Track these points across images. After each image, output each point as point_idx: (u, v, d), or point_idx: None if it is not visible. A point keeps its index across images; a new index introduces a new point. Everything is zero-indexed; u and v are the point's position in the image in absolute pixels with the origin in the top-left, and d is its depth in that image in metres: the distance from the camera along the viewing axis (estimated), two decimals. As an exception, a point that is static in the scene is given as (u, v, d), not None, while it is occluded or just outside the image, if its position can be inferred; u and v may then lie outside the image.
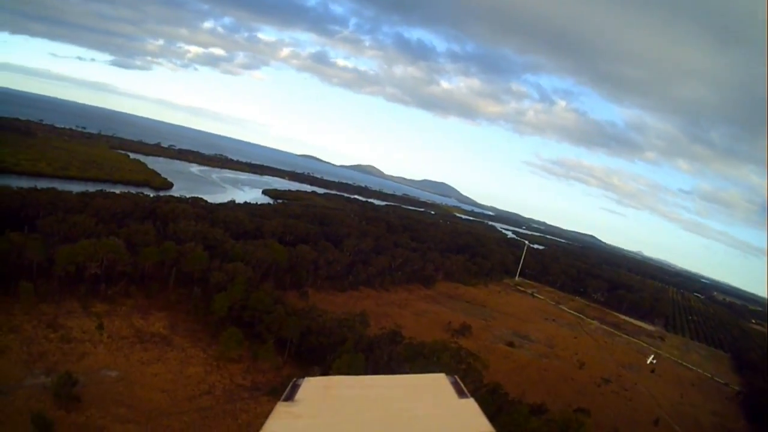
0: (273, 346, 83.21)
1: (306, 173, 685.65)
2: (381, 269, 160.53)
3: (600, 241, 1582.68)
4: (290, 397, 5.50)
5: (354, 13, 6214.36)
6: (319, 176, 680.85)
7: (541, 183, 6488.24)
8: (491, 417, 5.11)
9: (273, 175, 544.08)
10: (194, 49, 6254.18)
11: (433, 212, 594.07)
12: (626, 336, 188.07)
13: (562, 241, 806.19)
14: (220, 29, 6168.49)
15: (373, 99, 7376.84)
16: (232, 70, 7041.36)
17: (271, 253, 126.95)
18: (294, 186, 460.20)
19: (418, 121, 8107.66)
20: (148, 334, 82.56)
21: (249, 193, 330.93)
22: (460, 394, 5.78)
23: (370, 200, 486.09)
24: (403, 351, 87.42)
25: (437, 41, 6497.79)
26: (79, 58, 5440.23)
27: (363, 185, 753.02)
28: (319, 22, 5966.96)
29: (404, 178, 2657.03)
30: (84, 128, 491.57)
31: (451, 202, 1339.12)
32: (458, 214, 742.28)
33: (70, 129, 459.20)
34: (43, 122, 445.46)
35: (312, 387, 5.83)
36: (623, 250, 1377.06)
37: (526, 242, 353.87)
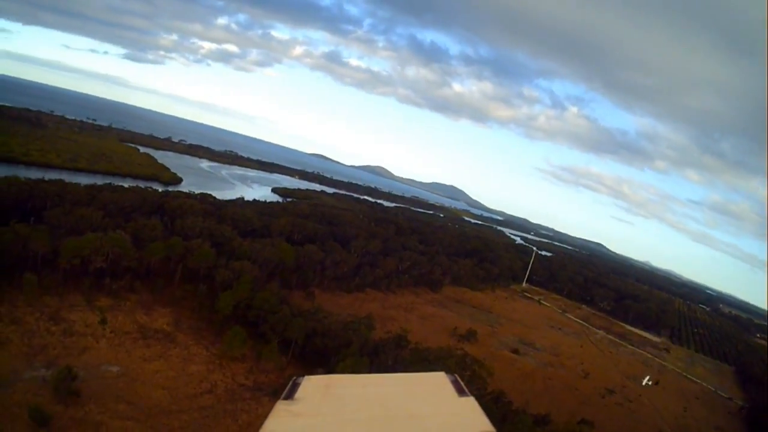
0: (277, 346, 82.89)
1: (316, 172, 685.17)
2: (388, 271, 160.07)
3: (608, 249, 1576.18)
4: (290, 396, 5.43)
5: (368, 13, 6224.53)
6: (328, 176, 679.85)
7: (551, 189, 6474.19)
8: (494, 425, 4.89)
9: (283, 174, 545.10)
10: (207, 45, 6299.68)
11: (442, 215, 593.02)
12: (631, 347, 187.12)
13: (570, 248, 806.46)
14: (234, 26, 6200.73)
15: (385, 100, 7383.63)
16: (244, 67, 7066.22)
17: (278, 252, 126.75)
18: (303, 185, 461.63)
19: (429, 123, 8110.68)
20: (152, 330, 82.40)
21: (258, 190, 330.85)
22: (460, 392, 5.73)
23: (379, 201, 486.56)
24: (408, 356, 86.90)
25: (451, 43, 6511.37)
26: (92, 51, 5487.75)
27: (372, 186, 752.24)
28: (333, 21, 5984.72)
29: (414, 180, 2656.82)
30: (95, 120, 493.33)
31: (460, 205, 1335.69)
32: (467, 218, 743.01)
33: (81, 121, 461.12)
34: (54, 113, 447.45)
35: (312, 385, 5.77)
36: (631, 259, 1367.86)
37: (535, 248, 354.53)
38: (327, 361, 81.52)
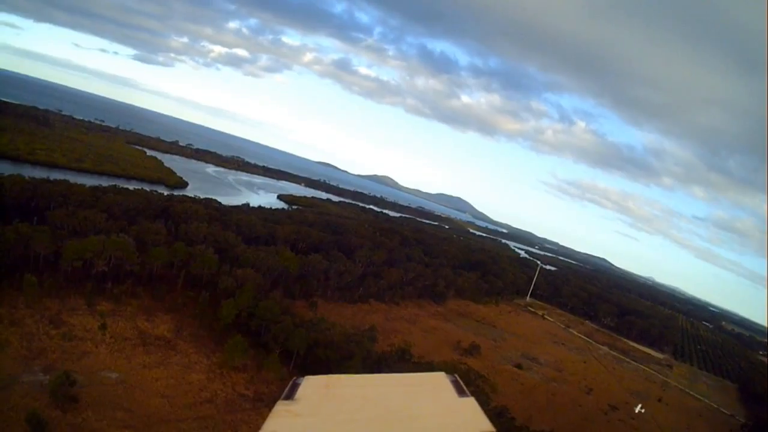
0: (279, 357, 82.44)
1: (322, 180, 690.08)
2: (392, 283, 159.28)
3: (612, 264, 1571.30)
4: (290, 396, 5.43)
5: (379, 21, 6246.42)
6: (334, 184, 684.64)
7: (556, 203, 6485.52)
8: None
9: (289, 181, 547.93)
10: (218, 49, 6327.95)
11: (447, 227, 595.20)
12: (635, 363, 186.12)
13: (574, 262, 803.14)
14: (245, 30, 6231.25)
15: (393, 109, 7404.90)
16: (254, 72, 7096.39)
17: (282, 260, 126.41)
18: (309, 192, 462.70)
19: (437, 134, 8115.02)
20: (152, 336, 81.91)
21: (264, 197, 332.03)
22: (460, 392, 5.70)
23: (384, 211, 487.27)
24: (411, 370, 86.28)
25: (460, 55, 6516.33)
26: (102, 51, 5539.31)
27: (378, 195, 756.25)
28: (344, 28, 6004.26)
29: (420, 191, 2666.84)
30: (102, 121, 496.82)
31: (465, 217, 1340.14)
32: (472, 230, 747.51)
33: (89, 121, 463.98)
34: (62, 112, 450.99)
35: (312, 386, 5.82)
36: (635, 275, 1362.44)
37: (539, 263, 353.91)
38: (329, 373, 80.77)
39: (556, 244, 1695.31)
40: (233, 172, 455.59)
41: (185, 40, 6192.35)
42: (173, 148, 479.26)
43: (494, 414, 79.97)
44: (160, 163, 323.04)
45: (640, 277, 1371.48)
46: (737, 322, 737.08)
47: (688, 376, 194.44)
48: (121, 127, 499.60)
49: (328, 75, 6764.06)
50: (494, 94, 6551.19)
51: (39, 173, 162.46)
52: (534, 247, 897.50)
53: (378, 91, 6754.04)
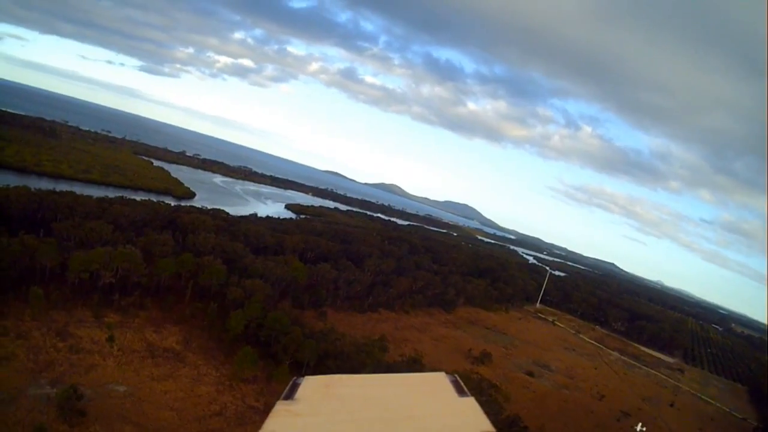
0: (289, 368, 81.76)
1: (329, 189, 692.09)
2: (402, 291, 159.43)
3: (620, 269, 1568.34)
4: (290, 396, 5.55)
5: (384, 30, 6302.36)
6: (342, 193, 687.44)
7: (564, 208, 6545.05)
8: None
9: (296, 190, 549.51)
10: (223, 59, 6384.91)
11: (455, 234, 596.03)
12: (646, 368, 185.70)
13: (583, 267, 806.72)
14: (250, 40, 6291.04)
15: (400, 117, 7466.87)
16: (260, 82, 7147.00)
17: (290, 270, 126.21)
18: (317, 201, 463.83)
19: (444, 142, 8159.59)
20: (161, 348, 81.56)
21: (272, 206, 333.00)
22: (460, 392, 5.84)
23: (392, 219, 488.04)
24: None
25: (466, 62, 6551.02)
26: (109, 62, 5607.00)
27: (386, 204, 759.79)
28: (349, 38, 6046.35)
29: (428, 198, 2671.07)
30: (109, 132, 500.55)
31: (473, 224, 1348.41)
32: (480, 237, 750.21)
33: (95, 132, 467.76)
34: (68, 123, 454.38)
35: (312, 386, 5.90)
36: (643, 279, 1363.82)
37: (548, 269, 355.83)
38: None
39: (565, 249, 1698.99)
40: (241, 181, 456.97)
41: (191, 50, 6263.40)
42: (180, 158, 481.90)
43: (506, 423, 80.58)
44: (168, 173, 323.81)
45: (649, 281, 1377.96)
46: (746, 323, 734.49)
47: (699, 380, 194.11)
48: (127, 138, 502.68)
49: (334, 84, 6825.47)
50: (500, 101, 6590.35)
51: (45, 184, 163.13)
52: (542, 253, 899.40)
53: (384, 99, 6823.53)
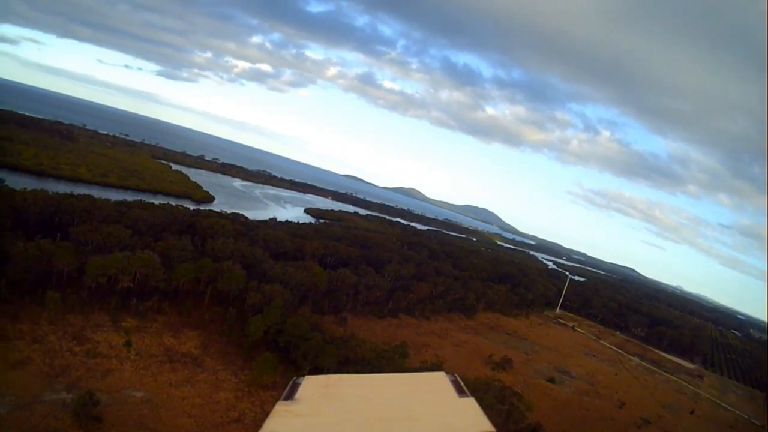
0: (309, 374, 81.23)
1: (349, 193, 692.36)
2: (422, 297, 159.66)
3: (639, 274, 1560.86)
4: (290, 396, 5.47)
5: (402, 34, 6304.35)
6: (361, 197, 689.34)
7: (583, 213, 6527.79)
8: None
9: (316, 194, 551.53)
10: (242, 64, 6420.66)
11: (474, 239, 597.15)
12: (666, 374, 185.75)
13: (602, 273, 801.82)
14: (268, 45, 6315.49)
15: (418, 122, 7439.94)
16: (278, 87, 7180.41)
17: (310, 275, 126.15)
18: (336, 206, 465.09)
19: (462, 146, 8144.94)
20: (179, 353, 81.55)
21: (291, 211, 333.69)
22: (460, 392, 5.69)
23: (412, 224, 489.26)
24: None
25: (484, 67, 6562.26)
26: (126, 66, 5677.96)
27: (405, 208, 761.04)
28: (367, 42, 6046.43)
29: (447, 203, 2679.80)
30: (127, 136, 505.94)
31: (492, 229, 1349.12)
32: (500, 242, 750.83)
33: (113, 136, 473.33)
34: (86, 127, 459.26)
35: (312, 385, 5.81)
36: (662, 284, 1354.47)
37: (568, 274, 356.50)
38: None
39: (584, 254, 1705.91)
40: (260, 186, 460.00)
41: (209, 55, 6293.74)
42: (199, 162, 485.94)
43: (528, 431, 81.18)
44: (186, 177, 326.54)
45: (668, 286, 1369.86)
46: (764, 329, 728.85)
47: (718, 387, 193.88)
48: (146, 142, 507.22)
49: (352, 89, 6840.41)
50: (519, 106, 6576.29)
51: (63, 188, 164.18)
52: (562, 258, 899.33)
53: (402, 104, 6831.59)
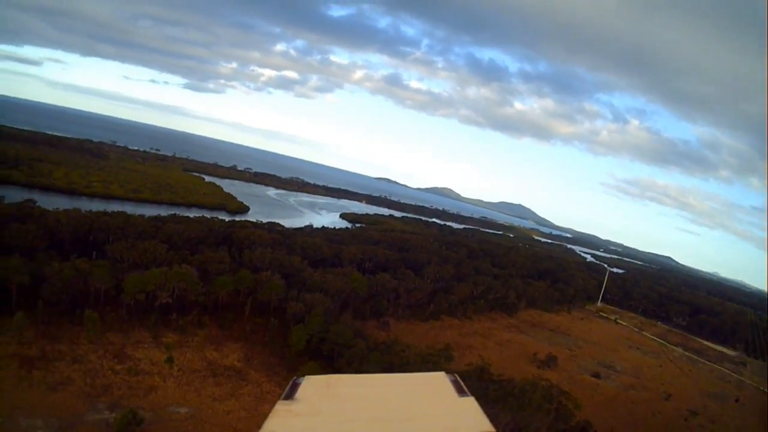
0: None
1: (383, 196, 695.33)
2: (463, 297, 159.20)
3: (676, 262, 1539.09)
4: (290, 396, 5.61)
5: (425, 34, 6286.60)
6: (395, 199, 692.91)
7: (617, 203, 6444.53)
8: None
9: (350, 199, 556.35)
10: (267, 72, 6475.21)
11: (511, 235, 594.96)
12: (709, 363, 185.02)
13: (640, 263, 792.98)
14: (292, 52, 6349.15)
15: (447, 121, 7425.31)
16: (305, 93, 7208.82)
17: (350, 282, 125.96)
18: (371, 209, 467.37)
19: (493, 143, 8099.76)
20: (222, 367, 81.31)
21: (326, 216, 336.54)
22: (460, 392, 5.89)
23: (447, 224, 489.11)
24: (492, 393, 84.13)
25: (509, 61, 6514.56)
26: (152, 81, 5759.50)
27: (440, 208, 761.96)
28: (391, 43, 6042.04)
29: (481, 201, 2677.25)
30: (158, 150, 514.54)
31: (528, 224, 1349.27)
32: (536, 237, 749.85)
33: (144, 151, 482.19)
34: (116, 144, 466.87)
35: (312, 385, 5.95)
36: (700, 271, 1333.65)
37: (606, 267, 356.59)
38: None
39: (621, 245, 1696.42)
40: (294, 193, 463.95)
41: (234, 65, 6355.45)
42: (232, 172, 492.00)
43: (577, 430, 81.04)
44: (220, 188, 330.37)
45: (706, 273, 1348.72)
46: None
47: (761, 373, 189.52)
48: (177, 155, 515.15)
49: (379, 91, 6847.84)
50: (546, 99, 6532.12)
51: (96, 206, 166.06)
52: (599, 250, 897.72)
53: (430, 103, 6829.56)
